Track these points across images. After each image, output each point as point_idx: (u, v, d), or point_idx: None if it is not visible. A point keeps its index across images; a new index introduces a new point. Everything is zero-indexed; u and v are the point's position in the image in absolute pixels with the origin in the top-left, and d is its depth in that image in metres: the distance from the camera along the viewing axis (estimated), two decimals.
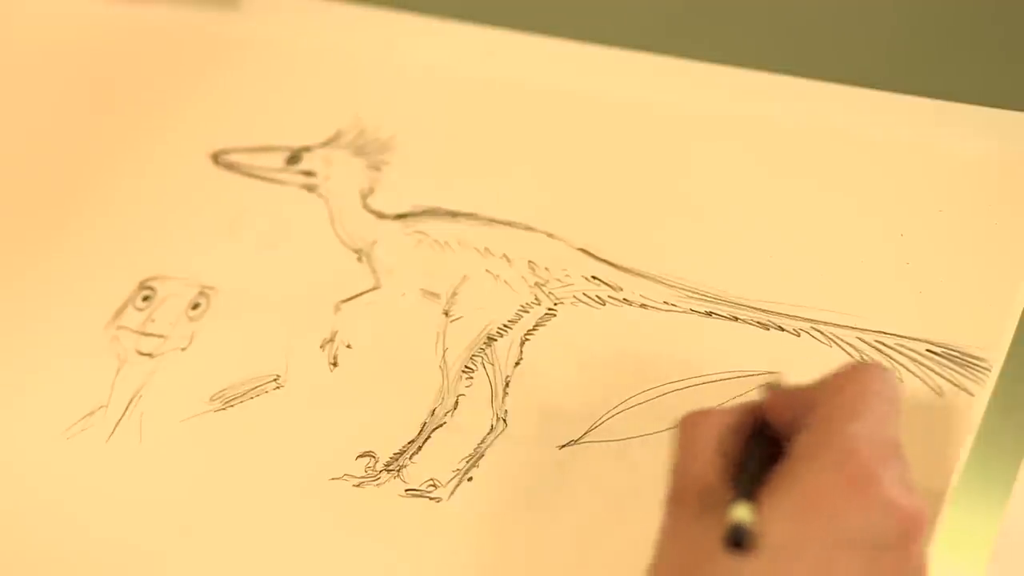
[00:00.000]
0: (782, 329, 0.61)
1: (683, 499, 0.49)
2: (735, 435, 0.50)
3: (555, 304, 0.65)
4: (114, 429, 0.66)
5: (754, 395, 0.53)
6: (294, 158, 0.73)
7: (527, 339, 0.64)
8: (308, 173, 0.73)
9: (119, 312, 0.70)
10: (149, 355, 0.68)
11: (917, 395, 0.58)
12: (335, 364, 0.65)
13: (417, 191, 0.70)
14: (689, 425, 0.50)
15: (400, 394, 0.63)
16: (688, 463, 0.49)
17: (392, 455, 0.62)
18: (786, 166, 0.67)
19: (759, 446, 0.50)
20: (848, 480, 0.46)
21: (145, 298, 0.70)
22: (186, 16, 0.81)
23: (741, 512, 0.46)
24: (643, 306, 0.64)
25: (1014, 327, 0.59)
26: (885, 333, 0.60)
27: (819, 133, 0.67)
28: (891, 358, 0.59)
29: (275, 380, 0.65)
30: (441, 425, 0.62)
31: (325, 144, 0.74)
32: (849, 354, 0.60)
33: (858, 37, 0.73)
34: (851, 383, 0.49)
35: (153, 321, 0.69)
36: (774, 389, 0.51)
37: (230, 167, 0.74)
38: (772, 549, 0.45)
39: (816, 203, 0.65)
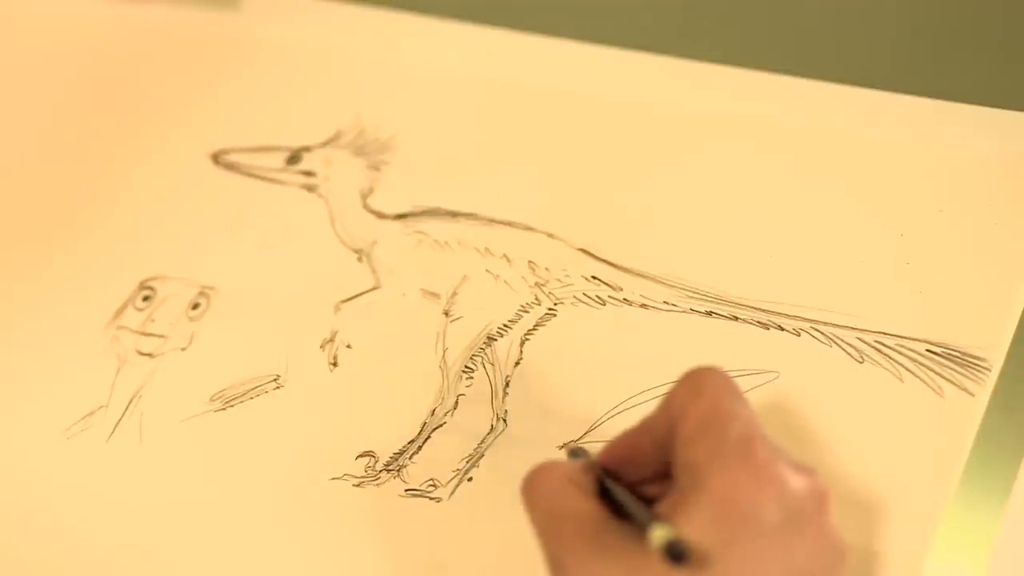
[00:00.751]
0: (782, 329, 0.61)
1: (573, 549, 0.48)
2: (587, 477, 0.51)
3: (555, 304, 0.65)
4: (114, 429, 0.66)
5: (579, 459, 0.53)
6: (294, 158, 0.73)
7: (527, 339, 0.64)
8: (308, 173, 0.73)
9: (119, 312, 0.70)
10: (149, 355, 0.68)
11: (917, 395, 0.58)
12: (335, 364, 0.65)
13: (417, 191, 0.70)
14: (536, 479, 0.51)
15: (400, 394, 0.63)
16: (555, 512, 0.49)
17: (392, 455, 0.62)
18: (786, 166, 0.67)
19: (615, 482, 0.51)
20: (754, 475, 0.47)
21: (145, 298, 0.70)
22: (186, 16, 0.81)
23: (661, 531, 0.46)
24: (643, 306, 0.64)
25: (1014, 327, 0.59)
26: (885, 333, 0.60)
27: (819, 133, 0.67)
28: (891, 358, 0.59)
29: (275, 380, 0.65)
30: (441, 425, 0.62)
31: (325, 144, 0.74)
32: (849, 354, 0.60)
33: (858, 37, 0.73)
34: (704, 389, 0.49)
35: (153, 321, 0.69)
36: (584, 453, 0.53)
37: (230, 167, 0.74)
38: (706, 559, 0.46)
39: (816, 203, 0.65)
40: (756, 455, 0.47)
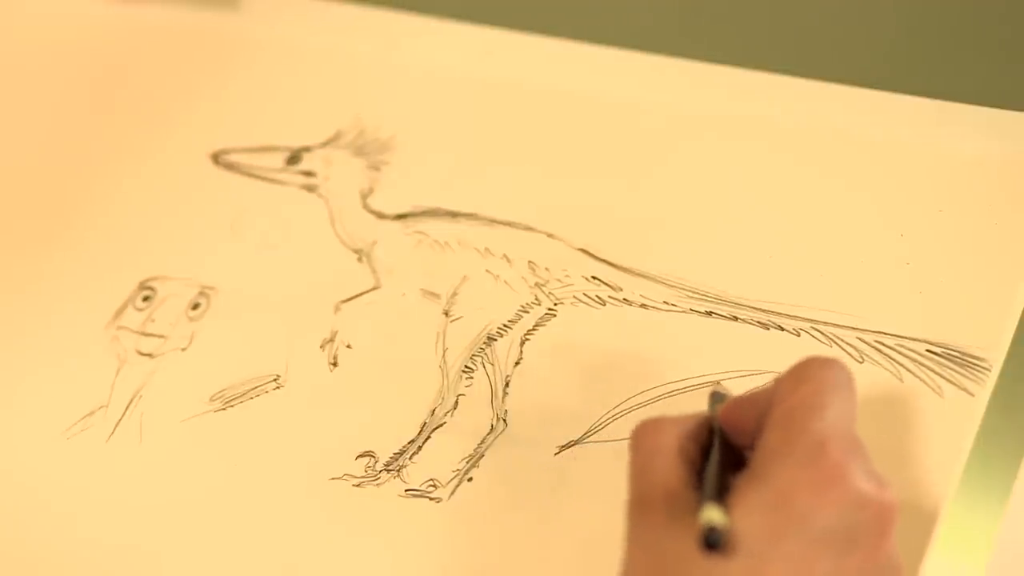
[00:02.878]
0: (782, 329, 0.61)
1: (648, 507, 0.48)
2: (692, 442, 0.50)
3: (555, 304, 0.65)
4: (114, 429, 0.66)
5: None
6: (294, 158, 0.73)
7: (527, 339, 0.64)
8: (308, 173, 0.73)
9: (119, 312, 0.70)
10: (149, 355, 0.68)
11: (917, 395, 0.58)
12: (335, 364, 0.65)
13: (417, 191, 0.70)
14: (646, 433, 0.50)
15: (400, 394, 0.63)
16: (650, 470, 0.49)
17: (392, 455, 0.62)
18: (786, 166, 0.67)
19: (718, 452, 0.50)
20: (819, 475, 0.46)
21: (145, 298, 0.70)
22: (186, 16, 0.81)
23: (713, 514, 0.46)
24: (643, 306, 0.64)
25: (1014, 327, 0.59)
26: (885, 333, 0.60)
27: (819, 133, 0.67)
28: (891, 358, 0.59)
29: (275, 380, 0.65)
30: (441, 425, 0.62)
31: (325, 144, 0.74)
32: (849, 354, 0.60)
33: (858, 37, 0.73)
34: (809, 379, 0.49)
35: (153, 321, 0.69)
36: (723, 399, 0.52)
37: (230, 167, 0.74)
38: (747, 549, 0.45)
39: (816, 203, 0.65)
40: (829, 455, 0.46)
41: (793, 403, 0.48)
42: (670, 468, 0.49)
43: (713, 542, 0.45)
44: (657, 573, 0.47)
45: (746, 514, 0.46)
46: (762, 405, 0.50)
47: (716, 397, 0.54)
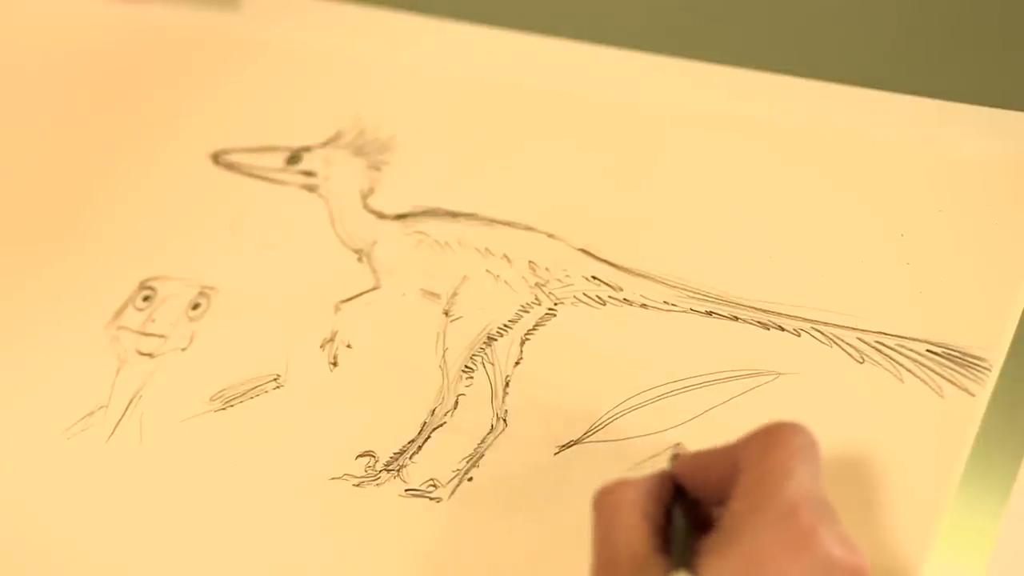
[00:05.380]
0: (782, 329, 0.61)
1: (615, 573, 0.48)
2: (654, 502, 0.50)
3: (555, 304, 0.65)
4: (114, 429, 0.66)
5: (664, 464, 0.53)
6: (294, 158, 0.73)
7: (527, 339, 0.64)
8: (308, 173, 0.73)
9: (119, 312, 0.70)
10: (149, 355, 0.68)
11: (917, 395, 0.58)
12: (335, 364, 0.65)
13: (417, 191, 0.70)
14: (607, 496, 0.50)
15: (400, 394, 0.63)
16: (614, 534, 0.49)
17: (392, 455, 0.62)
18: (786, 166, 0.67)
19: (681, 512, 0.50)
20: (790, 540, 0.46)
21: (145, 298, 0.70)
22: (186, 16, 0.81)
23: None
24: (643, 306, 0.64)
25: (1014, 327, 0.59)
26: (885, 333, 0.60)
27: (819, 133, 0.67)
28: (891, 358, 0.59)
29: (275, 380, 0.65)
30: (441, 425, 0.62)
31: (325, 144, 0.74)
32: (849, 354, 0.60)
33: (858, 37, 0.73)
34: (777, 444, 0.49)
35: (153, 321, 0.69)
36: (681, 455, 0.52)
37: (230, 167, 0.74)
38: None
39: (816, 203, 0.65)
40: (799, 520, 0.46)
41: (763, 468, 0.48)
42: (634, 532, 0.49)
43: None
44: None
45: None
46: (723, 467, 0.50)
47: (676, 455, 0.54)
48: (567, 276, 0.65)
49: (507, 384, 0.63)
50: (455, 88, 0.74)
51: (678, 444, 0.58)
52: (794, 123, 0.68)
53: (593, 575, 0.49)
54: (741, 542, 0.46)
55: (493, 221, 0.68)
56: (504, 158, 0.71)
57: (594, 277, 0.65)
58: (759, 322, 0.62)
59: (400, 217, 0.70)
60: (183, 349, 0.68)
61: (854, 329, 0.60)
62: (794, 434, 0.49)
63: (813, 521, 0.46)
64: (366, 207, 0.71)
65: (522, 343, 0.64)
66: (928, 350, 0.59)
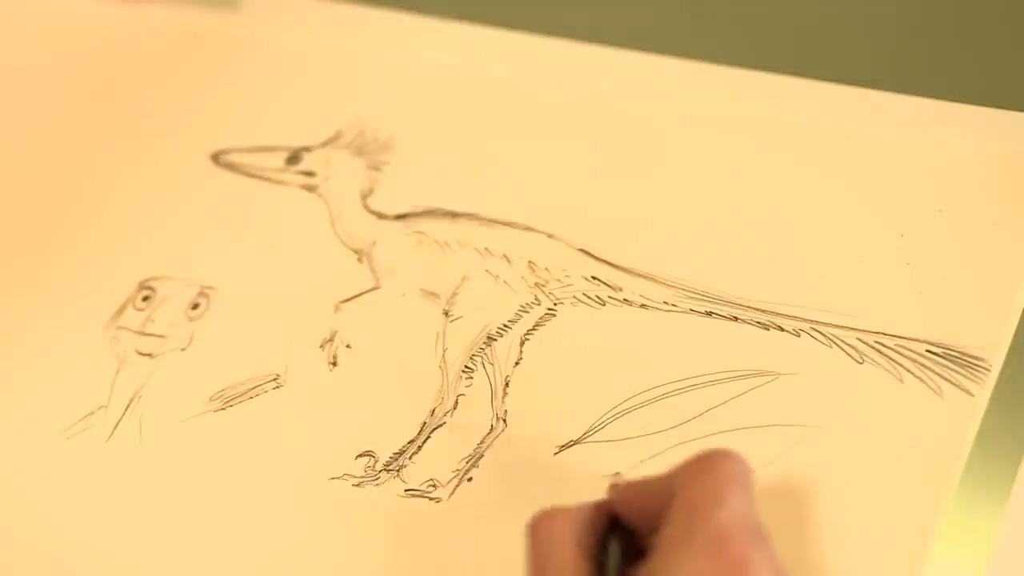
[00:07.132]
0: (782, 329, 0.61)
1: None
2: (589, 532, 0.50)
3: (555, 304, 0.65)
4: (114, 429, 0.66)
5: (603, 494, 0.53)
6: (294, 158, 0.73)
7: (527, 339, 0.64)
8: (308, 173, 0.73)
9: (119, 312, 0.70)
10: (149, 355, 0.68)
11: (917, 395, 0.58)
12: (335, 364, 0.65)
13: (417, 191, 0.70)
14: (541, 525, 0.50)
15: (400, 394, 0.63)
16: (548, 567, 0.49)
17: (392, 455, 0.62)
18: (786, 166, 0.67)
19: (616, 543, 0.50)
20: (722, 567, 0.46)
21: (145, 298, 0.70)
22: (186, 16, 0.81)
23: None
24: (643, 306, 0.64)
25: (1014, 327, 0.59)
26: (885, 334, 0.60)
27: (819, 133, 0.67)
28: (891, 358, 0.59)
29: (275, 380, 0.65)
30: (441, 425, 0.62)
31: (325, 144, 0.74)
32: (849, 355, 0.60)
33: (858, 37, 0.73)
34: (709, 471, 0.49)
35: (153, 321, 0.69)
36: (619, 485, 0.52)
37: (230, 167, 0.74)
38: None
39: (816, 203, 0.65)
40: (730, 549, 0.46)
41: (695, 494, 0.48)
42: (568, 565, 0.49)
43: None
44: None
45: None
46: (659, 496, 0.49)
47: (613, 485, 0.54)
48: (567, 276, 0.65)
49: (507, 384, 0.63)
50: (455, 88, 0.74)
51: (617, 474, 0.58)
52: (794, 123, 0.68)
53: None
54: (672, 570, 0.46)
55: (493, 221, 0.68)
56: (504, 158, 0.71)
57: (594, 277, 0.65)
58: (759, 322, 0.62)
59: (400, 217, 0.70)
60: (183, 349, 0.68)
61: (854, 329, 0.60)
62: (727, 461, 0.49)
63: (745, 549, 0.46)
64: (366, 207, 0.71)
65: (522, 343, 0.64)
66: (928, 350, 0.59)
